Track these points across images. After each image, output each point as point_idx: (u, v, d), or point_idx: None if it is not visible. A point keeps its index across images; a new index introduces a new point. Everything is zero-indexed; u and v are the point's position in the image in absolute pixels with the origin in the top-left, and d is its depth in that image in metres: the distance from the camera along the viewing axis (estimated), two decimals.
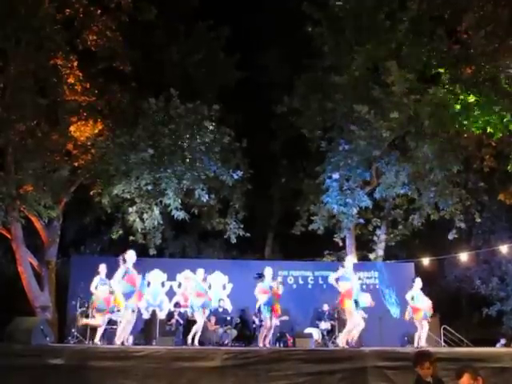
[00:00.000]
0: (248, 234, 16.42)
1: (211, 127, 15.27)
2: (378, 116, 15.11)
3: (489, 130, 14.42)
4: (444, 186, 15.86)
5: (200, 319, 11.92)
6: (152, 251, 15.71)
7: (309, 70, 17.68)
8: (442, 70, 15.19)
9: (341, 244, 18.46)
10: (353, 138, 16.01)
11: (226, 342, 13.93)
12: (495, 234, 19.18)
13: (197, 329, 11.97)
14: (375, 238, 19.47)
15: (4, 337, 11.46)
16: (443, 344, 15.82)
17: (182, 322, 14.03)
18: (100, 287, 12.38)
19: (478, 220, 16.57)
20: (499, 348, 15.62)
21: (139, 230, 15.36)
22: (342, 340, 11.48)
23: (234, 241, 16.39)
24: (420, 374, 5.71)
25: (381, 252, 19.22)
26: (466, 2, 14.93)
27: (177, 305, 14.43)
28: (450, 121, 14.65)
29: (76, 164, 15.74)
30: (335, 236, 17.52)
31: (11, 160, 14.45)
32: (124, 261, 11.23)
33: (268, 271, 12.13)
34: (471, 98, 14.36)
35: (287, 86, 18.22)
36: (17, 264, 15.35)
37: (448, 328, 16.12)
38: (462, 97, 14.32)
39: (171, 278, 15.88)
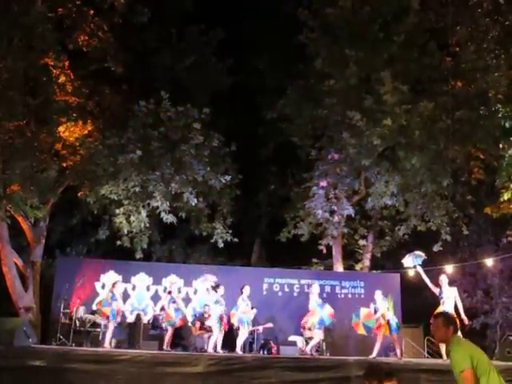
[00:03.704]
0: (236, 240, 16.40)
1: (200, 129, 15.25)
2: (370, 124, 15.14)
3: (478, 145, 14.57)
4: (431, 198, 15.90)
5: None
6: (138, 255, 15.67)
7: (301, 77, 17.70)
8: (432, 84, 15.32)
9: (327, 252, 18.45)
10: (343, 146, 16.03)
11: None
12: (481, 247, 19.22)
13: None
14: (362, 248, 19.52)
15: None
16: (426, 355, 15.84)
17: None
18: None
19: (466, 232, 16.60)
20: None
21: (126, 232, 15.29)
22: None
23: (221, 245, 16.36)
24: None
25: (367, 262, 19.26)
26: (459, 15, 15.06)
27: (162, 309, 14.33)
28: (439, 134, 14.73)
29: (64, 164, 15.65)
30: (320, 243, 17.50)
31: None
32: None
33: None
34: (461, 113, 14.49)
35: (279, 91, 18.23)
36: (1, 264, 15.23)
37: (432, 339, 16.15)
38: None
39: (157, 282, 15.78)
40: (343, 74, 15.87)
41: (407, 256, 13.10)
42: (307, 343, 14.08)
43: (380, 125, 14.91)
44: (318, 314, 13.11)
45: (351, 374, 9.56)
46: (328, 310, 13.23)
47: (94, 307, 14.02)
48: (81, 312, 14.30)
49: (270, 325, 14.31)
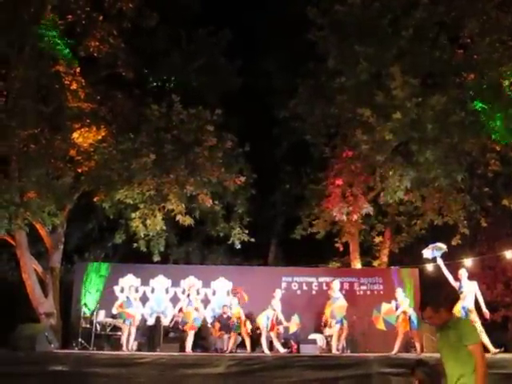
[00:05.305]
0: (252, 240, 16.42)
1: (212, 130, 15.26)
2: (381, 119, 15.06)
3: (493, 137, 14.44)
4: (448, 192, 15.80)
5: None
6: (156, 257, 15.71)
7: (312, 75, 17.64)
8: (444, 77, 15.21)
9: (344, 250, 18.42)
10: (356, 144, 15.94)
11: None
12: (499, 240, 19.06)
13: None
14: (379, 244, 19.43)
15: (9, 344, 11.46)
16: None
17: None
18: None
19: (484, 225, 16.44)
20: (505, 355, 15.52)
21: (142, 235, 15.34)
22: None
23: (238, 246, 16.40)
24: None
25: (385, 258, 19.17)
26: (469, 7, 14.95)
27: (180, 311, 14.38)
28: (453, 128, 14.62)
29: (79, 170, 15.71)
30: (336, 241, 17.46)
31: (15, 167, 14.44)
32: None
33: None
34: (476, 105, 14.38)
35: (290, 91, 18.18)
36: (21, 271, 15.34)
37: None
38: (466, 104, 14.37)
39: (175, 284, 15.85)
40: (354, 71, 15.80)
41: (428, 247, 13.02)
42: (327, 341, 14.09)
43: (391, 120, 14.83)
44: (330, 307, 13.38)
45: (372, 371, 9.54)
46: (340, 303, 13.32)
47: (115, 311, 14.11)
48: (101, 316, 14.39)
49: (289, 324, 14.25)
